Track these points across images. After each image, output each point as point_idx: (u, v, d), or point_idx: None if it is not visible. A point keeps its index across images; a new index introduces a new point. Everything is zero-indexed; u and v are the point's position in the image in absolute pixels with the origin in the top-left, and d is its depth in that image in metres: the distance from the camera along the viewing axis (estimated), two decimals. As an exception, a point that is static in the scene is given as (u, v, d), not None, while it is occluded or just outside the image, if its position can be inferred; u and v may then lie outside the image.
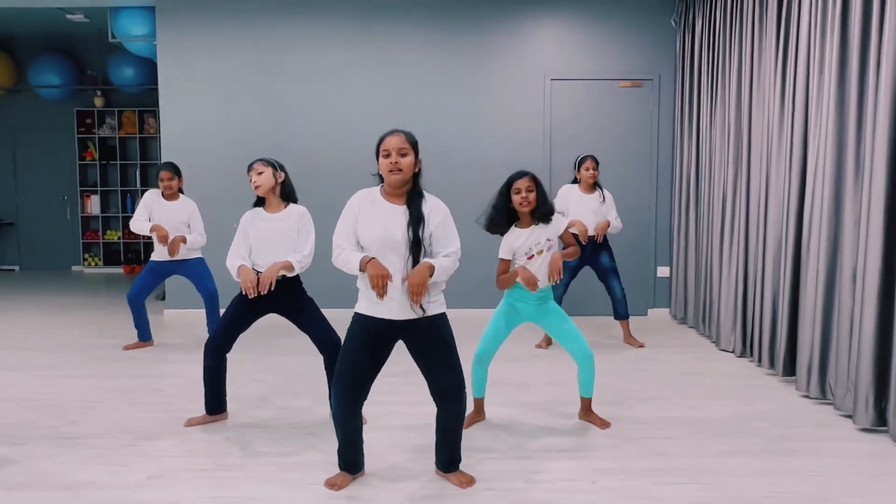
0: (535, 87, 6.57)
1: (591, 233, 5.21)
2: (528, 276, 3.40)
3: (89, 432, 3.57)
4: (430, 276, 2.71)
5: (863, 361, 3.51)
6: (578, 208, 5.24)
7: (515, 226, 3.49)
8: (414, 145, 2.80)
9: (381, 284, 2.66)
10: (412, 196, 2.80)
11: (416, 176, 2.83)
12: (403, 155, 2.75)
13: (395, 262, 2.75)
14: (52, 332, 5.98)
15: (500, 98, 6.60)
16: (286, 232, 3.55)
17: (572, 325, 3.60)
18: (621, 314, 5.43)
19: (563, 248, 3.63)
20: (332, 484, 2.94)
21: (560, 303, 5.26)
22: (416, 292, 2.67)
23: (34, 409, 3.93)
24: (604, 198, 5.30)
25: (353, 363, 2.82)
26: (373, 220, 2.78)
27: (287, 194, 3.66)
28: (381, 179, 2.85)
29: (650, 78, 6.54)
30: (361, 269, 2.72)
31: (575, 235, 5.15)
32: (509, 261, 3.52)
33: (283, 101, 6.63)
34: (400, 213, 2.78)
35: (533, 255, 3.47)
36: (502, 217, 3.47)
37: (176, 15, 6.58)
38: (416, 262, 2.74)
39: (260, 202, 3.65)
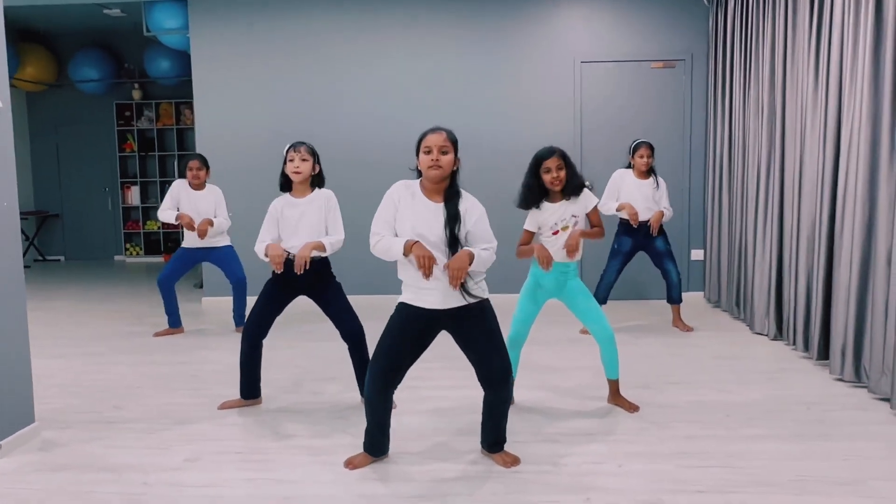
0: (565, 71, 6.52)
1: (642, 218, 5.15)
2: (543, 255, 3.43)
3: (130, 417, 3.69)
4: (470, 263, 2.75)
5: (898, 344, 3.45)
6: (631, 193, 5.18)
7: (545, 200, 3.52)
8: (454, 143, 2.85)
9: (427, 265, 2.70)
10: (450, 194, 2.85)
11: (454, 174, 2.87)
12: (444, 153, 2.79)
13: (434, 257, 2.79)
14: (96, 320, 6.16)
15: (529, 83, 6.57)
16: (314, 214, 3.62)
17: (595, 305, 3.61)
18: (674, 298, 5.40)
19: (590, 227, 3.63)
20: (349, 462, 3.03)
21: (611, 288, 5.27)
22: (456, 276, 2.71)
23: (79, 394, 4.08)
24: (657, 184, 5.24)
25: (390, 347, 2.89)
26: (412, 215, 2.82)
27: (317, 183, 3.72)
28: (420, 174, 2.89)
29: (682, 58, 6.45)
30: (406, 253, 2.76)
31: (624, 220, 5.16)
32: (533, 233, 3.58)
33: (315, 90, 6.70)
34: (438, 210, 2.82)
35: (558, 231, 3.51)
36: (533, 194, 3.50)
37: (208, 7, 6.68)
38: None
39: (287, 186, 3.69)
